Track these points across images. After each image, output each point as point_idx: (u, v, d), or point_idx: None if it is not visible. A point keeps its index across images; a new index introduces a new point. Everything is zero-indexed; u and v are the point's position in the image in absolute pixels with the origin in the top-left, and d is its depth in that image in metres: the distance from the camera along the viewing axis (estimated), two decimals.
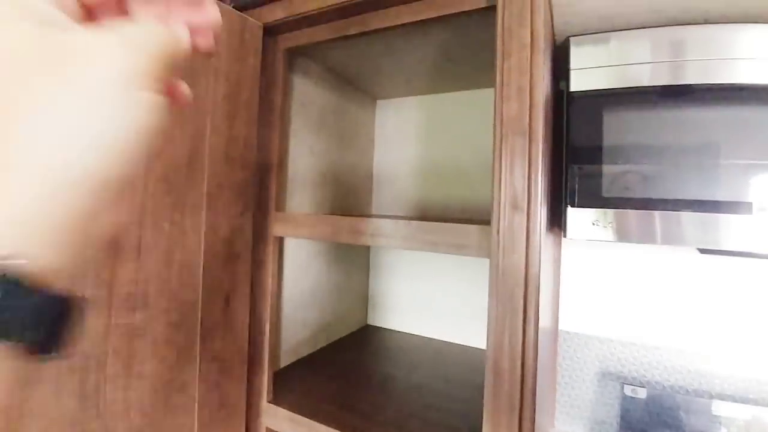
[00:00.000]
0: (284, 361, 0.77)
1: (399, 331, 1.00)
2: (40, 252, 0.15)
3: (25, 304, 0.15)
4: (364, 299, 1.04)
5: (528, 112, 0.39)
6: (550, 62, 0.50)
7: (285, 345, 0.76)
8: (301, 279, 0.80)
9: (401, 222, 0.49)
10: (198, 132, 0.52)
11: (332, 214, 0.73)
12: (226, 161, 0.55)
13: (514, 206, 0.40)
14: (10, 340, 0.15)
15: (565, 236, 0.56)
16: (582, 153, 0.55)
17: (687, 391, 0.72)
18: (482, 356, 0.46)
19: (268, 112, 0.62)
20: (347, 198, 0.92)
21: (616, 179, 0.54)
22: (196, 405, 0.54)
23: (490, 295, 0.42)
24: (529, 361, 0.40)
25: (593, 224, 0.54)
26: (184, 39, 0.19)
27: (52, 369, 0.42)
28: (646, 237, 0.52)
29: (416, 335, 0.98)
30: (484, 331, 0.41)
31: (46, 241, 0.15)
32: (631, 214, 0.53)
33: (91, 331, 0.44)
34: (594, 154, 0.55)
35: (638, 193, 0.53)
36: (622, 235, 0.53)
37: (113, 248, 0.45)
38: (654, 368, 0.76)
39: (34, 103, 0.14)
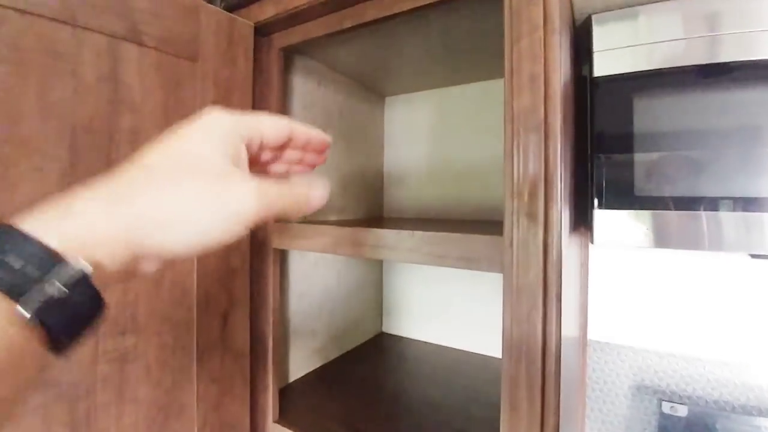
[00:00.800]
0: (294, 374, 0.74)
1: (415, 340, 0.96)
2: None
3: (85, 297, 0.17)
4: (378, 306, 1.00)
5: (543, 105, 0.34)
6: (569, 46, 0.44)
7: (294, 357, 0.73)
8: (309, 288, 0.76)
9: (404, 233, 0.45)
10: None
11: (337, 222, 0.69)
12: None
13: (530, 215, 0.35)
14: (52, 322, 0.16)
15: (592, 242, 0.50)
16: (609, 147, 0.49)
17: (733, 407, 0.65)
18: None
19: None
20: (357, 202, 0.88)
21: (649, 175, 0.47)
22: (196, 428, 0.51)
23: (504, 317, 0.37)
24: (550, 393, 0.34)
25: (625, 228, 0.47)
26: (303, 203, 0.26)
27: (38, 398, 0.39)
28: (690, 242, 0.45)
29: (433, 344, 0.93)
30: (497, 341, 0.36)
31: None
32: (670, 216, 0.46)
33: (77, 358, 0.42)
34: (623, 147, 0.48)
35: (677, 191, 0.46)
36: (661, 240, 0.46)
37: None
38: (695, 382, 0.68)
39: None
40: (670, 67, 0.47)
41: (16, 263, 0.16)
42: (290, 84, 0.69)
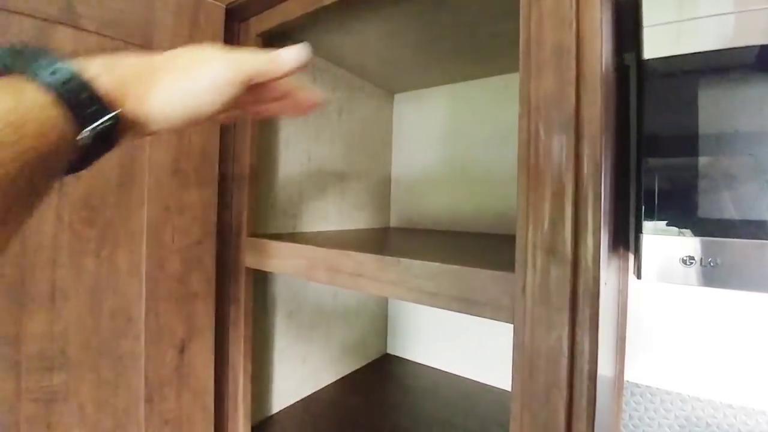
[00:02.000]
0: (278, 404, 0.65)
1: (422, 364, 0.85)
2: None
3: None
4: (382, 326, 0.90)
5: (574, 90, 0.23)
6: (610, 19, 0.32)
7: (279, 385, 0.65)
8: (299, 306, 0.67)
9: (388, 260, 0.35)
10: (132, 143, 0.41)
11: (320, 238, 0.60)
12: (176, 177, 0.44)
13: (551, 251, 0.24)
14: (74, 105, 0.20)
15: (638, 277, 0.38)
16: (664, 154, 0.37)
17: None
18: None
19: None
20: (360, 211, 0.79)
21: (720, 191, 0.35)
22: None
23: (513, 394, 0.26)
24: None
25: (683, 262, 0.35)
26: (275, 68, 0.30)
27: None
28: None
29: (443, 371, 0.82)
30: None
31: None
32: (748, 246, 0.34)
33: None
34: (683, 153, 0.36)
35: (757, 213, 0.34)
36: (733, 280, 0.34)
37: (17, 295, 0.35)
38: None
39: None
40: (747, 46, 0.35)
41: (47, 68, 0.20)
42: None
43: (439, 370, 0.83)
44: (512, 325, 0.28)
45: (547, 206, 0.24)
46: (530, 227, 0.25)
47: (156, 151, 0.42)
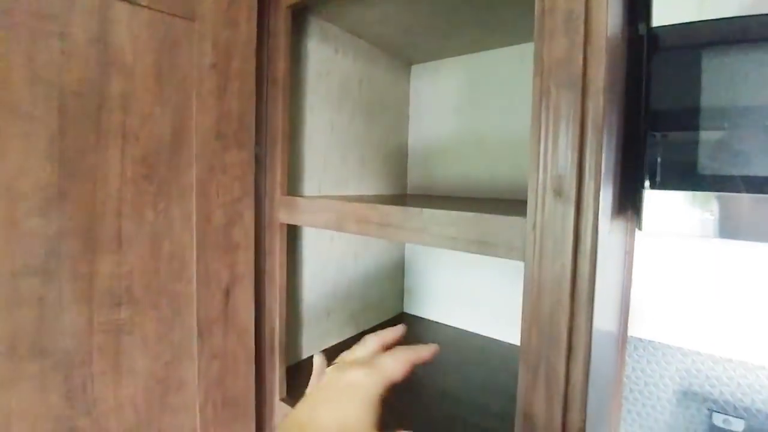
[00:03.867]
0: (307, 352, 0.72)
1: (436, 322, 0.91)
2: None
3: None
4: (399, 287, 0.96)
5: (582, 53, 0.26)
6: None
7: (308, 335, 0.71)
8: (324, 267, 0.73)
9: (412, 210, 0.39)
10: (182, 107, 0.45)
11: (347, 197, 0.65)
12: (219, 140, 0.48)
13: (558, 192, 0.28)
14: None
15: (639, 229, 0.42)
16: (668, 115, 0.40)
17: None
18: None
19: (271, 84, 0.54)
20: (379, 179, 0.83)
21: (719, 149, 0.38)
22: (197, 404, 0.50)
23: (523, 316, 0.31)
24: (575, 406, 0.29)
25: (683, 213, 0.39)
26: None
27: (33, 367, 0.39)
28: (763, 233, 0.36)
29: (454, 327, 0.88)
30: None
31: None
32: (742, 199, 0.37)
33: (73, 328, 0.41)
34: (686, 116, 0.39)
35: (752, 169, 0.37)
36: (728, 229, 0.37)
37: (89, 240, 0.41)
38: (756, 393, 0.59)
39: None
40: (756, 15, 0.37)
41: None
42: (304, 49, 0.63)
43: (452, 327, 0.89)
44: (522, 263, 0.32)
45: (555, 154, 0.28)
46: (540, 172, 0.29)
47: (201, 116, 0.47)
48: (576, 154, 0.27)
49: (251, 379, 0.56)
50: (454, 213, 0.36)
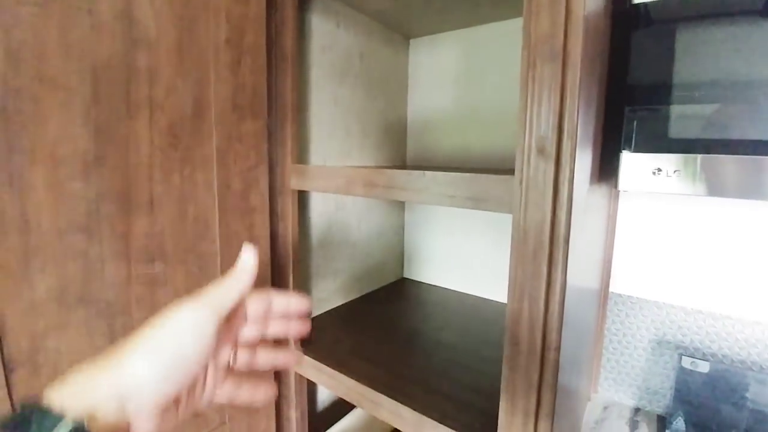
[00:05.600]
0: (315, 311, 0.78)
1: (435, 285, 0.98)
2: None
3: None
4: (399, 252, 1.02)
5: (563, 29, 0.31)
6: None
7: (316, 296, 0.77)
8: (329, 231, 0.78)
9: (415, 173, 0.44)
10: (201, 80, 0.49)
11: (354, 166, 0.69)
12: (235, 112, 0.52)
13: (541, 151, 0.33)
14: None
15: (616, 187, 0.47)
16: (641, 90, 0.44)
17: (761, 367, 0.63)
18: None
19: (280, 58, 0.58)
20: (379, 150, 0.87)
21: (687, 118, 0.43)
22: None
23: (511, 257, 0.36)
24: (552, 330, 0.35)
25: (654, 173, 0.44)
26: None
27: (80, 314, 0.44)
28: (725, 189, 0.42)
29: (452, 290, 0.95)
30: None
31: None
32: (706, 160, 0.42)
33: (113, 280, 0.46)
34: (659, 91, 0.44)
35: (716, 133, 0.42)
36: (692, 185, 0.43)
37: (125, 202, 0.46)
38: (722, 340, 0.66)
39: None
40: None
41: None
42: (307, 24, 0.66)
43: (449, 289, 0.95)
44: (510, 219, 0.37)
45: (539, 118, 0.33)
46: (526, 133, 0.33)
47: (219, 88, 0.51)
48: (556, 119, 0.32)
49: None
50: (451, 174, 0.41)
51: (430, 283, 0.99)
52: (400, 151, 0.95)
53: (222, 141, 0.52)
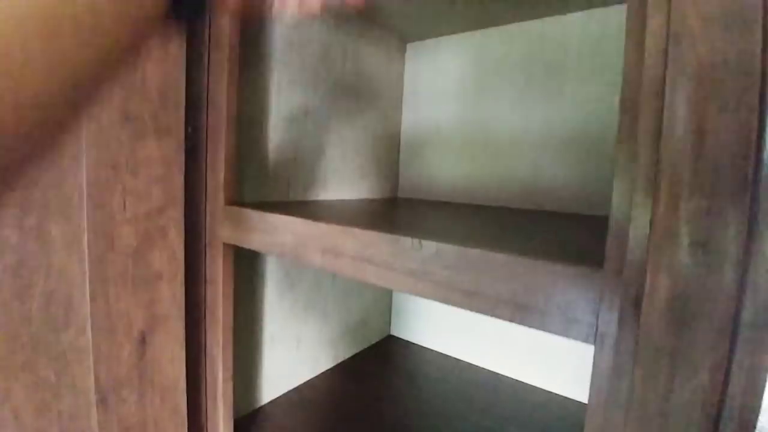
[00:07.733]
0: (268, 395, 0.58)
1: (428, 349, 0.78)
2: None
3: None
4: (386, 307, 0.82)
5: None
6: None
7: (269, 374, 0.57)
8: (292, 286, 0.59)
9: (404, 242, 0.25)
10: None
11: (316, 209, 0.51)
12: (126, 126, 0.33)
13: (702, 244, 0.14)
14: None
15: None
16: None
17: None
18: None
19: (213, 46, 0.39)
20: (363, 178, 0.69)
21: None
22: None
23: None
24: None
25: None
26: None
27: None
28: None
29: (449, 357, 0.75)
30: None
31: None
32: None
33: None
34: None
35: None
36: None
37: None
38: None
39: None
40: None
41: None
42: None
43: (448, 356, 0.76)
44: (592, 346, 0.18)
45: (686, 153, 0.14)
46: (637, 189, 0.15)
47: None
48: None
49: None
50: (472, 251, 0.22)
51: (423, 345, 0.79)
52: (391, 180, 0.77)
53: (100, 170, 0.32)
